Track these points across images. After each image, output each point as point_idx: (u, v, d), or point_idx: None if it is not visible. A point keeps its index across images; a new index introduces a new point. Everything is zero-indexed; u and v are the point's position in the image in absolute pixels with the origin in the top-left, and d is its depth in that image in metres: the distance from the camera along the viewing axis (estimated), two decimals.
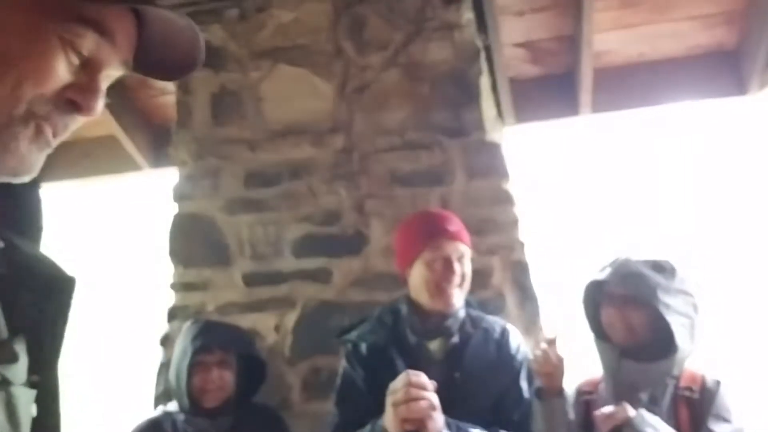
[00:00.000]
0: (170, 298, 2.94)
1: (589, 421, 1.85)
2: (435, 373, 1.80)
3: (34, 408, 0.74)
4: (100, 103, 0.72)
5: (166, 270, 2.98)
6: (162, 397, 2.75)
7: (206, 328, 2.22)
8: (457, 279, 1.95)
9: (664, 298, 1.80)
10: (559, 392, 1.86)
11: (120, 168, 3.72)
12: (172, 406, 2.23)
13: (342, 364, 2.10)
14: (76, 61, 0.69)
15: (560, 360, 1.83)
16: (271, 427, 2.28)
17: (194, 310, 2.87)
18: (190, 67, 0.85)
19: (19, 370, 0.72)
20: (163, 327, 2.91)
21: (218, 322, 2.37)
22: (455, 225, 2.02)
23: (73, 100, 0.70)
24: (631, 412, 1.73)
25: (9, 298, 0.73)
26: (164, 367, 2.85)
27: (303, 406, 2.68)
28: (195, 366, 2.12)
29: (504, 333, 2.03)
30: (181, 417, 2.16)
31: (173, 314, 2.90)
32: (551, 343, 1.84)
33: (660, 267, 1.87)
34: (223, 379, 2.15)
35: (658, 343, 1.83)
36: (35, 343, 0.75)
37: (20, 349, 0.73)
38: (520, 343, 2.04)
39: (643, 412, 1.73)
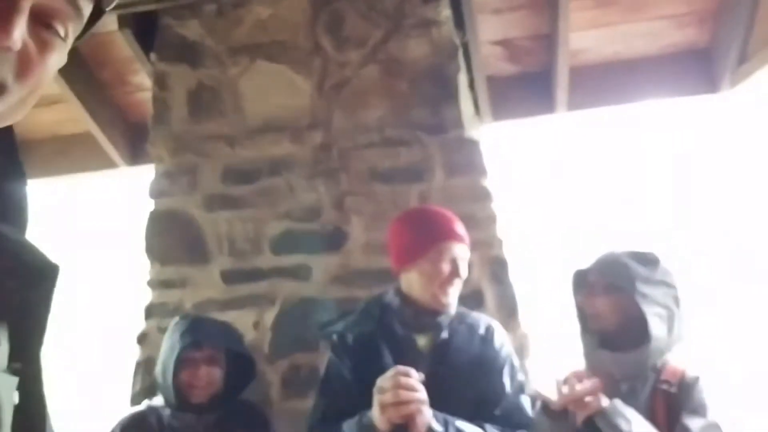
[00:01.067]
0: (147, 296, 2.91)
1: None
2: (421, 366, 1.81)
3: (17, 396, 0.72)
4: (16, 30, 0.60)
5: (143, 267, 2.96)
6: (139, 396, 2.73)
7: (196, 325, 2.19)
8: (459, 281, 1.98)
9: (642, 288, 1.82)
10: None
11: (96, 165, 3.67)
12: (158, 400, 2.21)
13: (328, 354, 2.09)
14: None
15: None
16: (256, 424, 2.27)
17: (172, 307, 2.85)
18: None
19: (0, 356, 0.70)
20: (140, 325, 2.88)
21: (208, 318, 2.34)
22: (461, 227, 2.04)
23: None
24: (604, 401, 1.73)
25: None
26: (141, 365, 2.83)
27: (282, 403, 2.67)
28: (183, 362, 2.10)
29: (488, 329, 2.04)
30: (166, 412, 2.14)
31: (150, 312, 2.88)
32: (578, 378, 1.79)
33: (643, 258, 1.90)
34: (210, 376, 2.13)
35: (636, 333, 1.85)
36: (17, 331, 0.72)
37: (1, 335, 0.71)
38: (504, 340, 2.05)
39: (617, 402, 1.73)
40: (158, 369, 2.19)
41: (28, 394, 0.73)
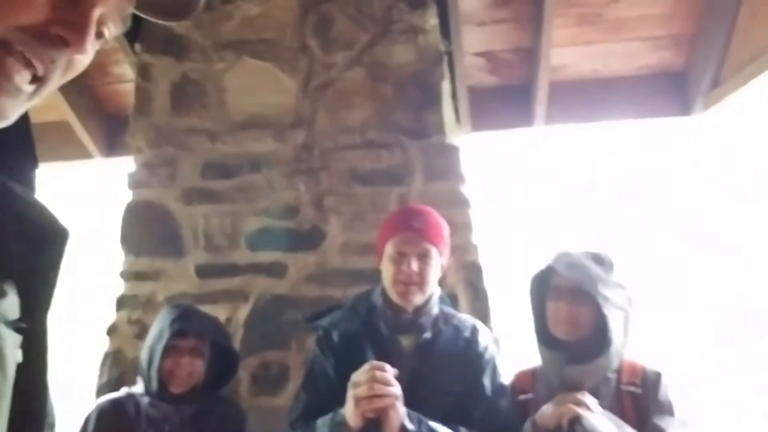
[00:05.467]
0: (119, 287, 2.88)
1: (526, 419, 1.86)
2: (404, 365, 1.81)
3: (20, 354, 0.71)
4: (90, 40, 0.67)
5: (116, 258, 2.92)
6: (106, 387, 2.69)
7: (185, 314, 2.19)
8: (414, 277, 1.92)
9: (603, 291, 1.81)
10: None
11: (70, 155, 3.62)
12: (137, 388, 2.18)
13: (313, 349, 2.08)
14: None
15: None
16: (233, 421, 2.26)
17: (144, 299, 2.82)
18: (190, 9, 0.82)
19: (5, 309, 0.69)
20: (110, 316, 2.85)
21: (198, 310, 2.33)
22: (423, 222, 1.98)
23: (60, 35, 0.65)
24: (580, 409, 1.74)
25: None
26: (109, 356, 2.79)
27: (251, 400, 2.66)
28: (168, 350, 2.09)
29: (474, 331, 2.03)
30: (145, 400, 2.12)
31: (122, 303, 2.85)
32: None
33: (599, 259, 1.89)
34: (193, 366, 2.12)
35: (595, 338, 1.85)
36: (24, 293, 0.72)
37: (10, 289, 0.70)
38: (488, 342, 2.03)
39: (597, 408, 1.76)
40: (143, 355, 2.17)
41: (31, 355, 0.73)
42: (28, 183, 0.78)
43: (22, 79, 0.65)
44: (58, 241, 0.77)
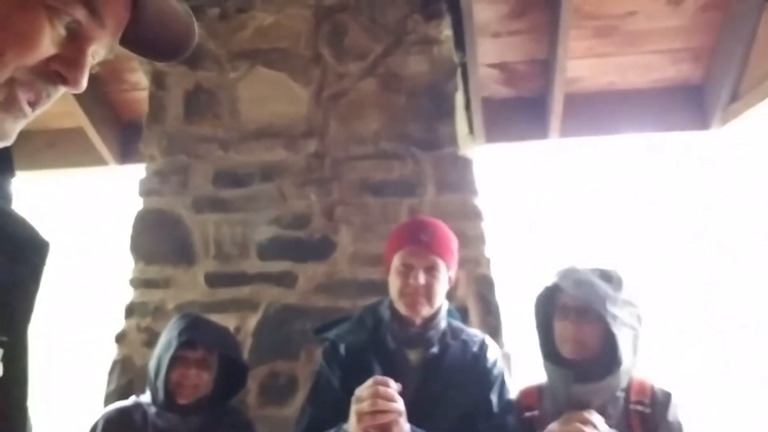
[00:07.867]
0: (128, 295, 2.88)
1: None
2: (412, 380, 1.80)
3: (1, 368, 0.71)
4: (86, 78, 0.72)
5: (126, 266, 2.93)
6: (114, 395, 2.69)
7: (194, 324, 2.16)
8: (420, 290, 1.91)
9: (612, 309, 1.77)
10: None
11: (84, 162, 3.64)
12: (145, 397, 2.17)
13: (319, 361, 2.06)
14: (62, 32, 0.68)
15: None
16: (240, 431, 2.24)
17: (153, 307, 2.82)
18: (180, 52, 0.85)
19: None
20: (119, 323, 2.85)
21: (208, 320, 2.29)
22: (430, 235, 1.96)
23: (59, 72, 0.69)
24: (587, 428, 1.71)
25: None
26: (117, 364, 2.79)
27: (259, 410, 2.65)
28: (175, 360, 2.08)
29: (482, 346, 2.01)
30: (152, 409, 2.11)
31: (131, 311, 2.85)
32: None
33: (608, 276, 1.83)
34: (200, 378, 2.10)
35: (604, 357, 1.80)
36: (4, 306, 0.72)
37: None
38: (497, 358, 2.01)
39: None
40: (152, 364, 2.16)
41: (12, 368, 0.72)
42: (5, 194, 0.78)
43: (27, 107, 0.71)
44: (38, 253, 0.76)
